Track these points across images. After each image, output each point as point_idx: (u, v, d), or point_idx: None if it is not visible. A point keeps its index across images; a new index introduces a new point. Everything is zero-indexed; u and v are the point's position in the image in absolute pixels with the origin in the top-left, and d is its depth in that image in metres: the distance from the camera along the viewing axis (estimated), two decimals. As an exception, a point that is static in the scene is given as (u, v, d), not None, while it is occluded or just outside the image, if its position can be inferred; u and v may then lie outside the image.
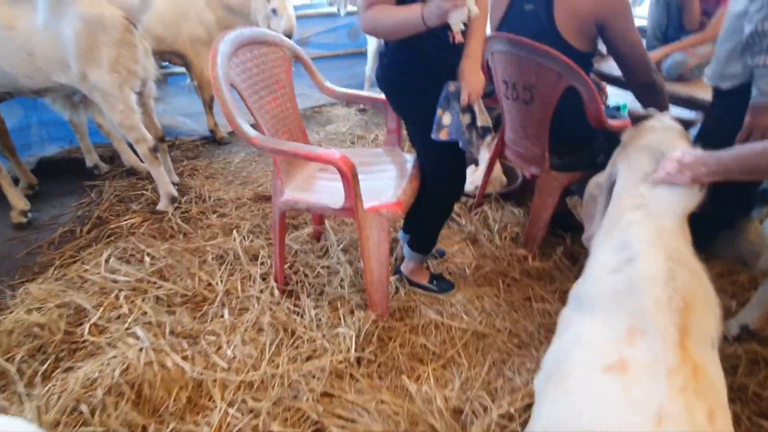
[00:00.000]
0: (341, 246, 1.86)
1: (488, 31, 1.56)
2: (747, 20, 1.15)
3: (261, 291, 1.62)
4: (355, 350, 1.36)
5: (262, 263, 1.78)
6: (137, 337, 1.40)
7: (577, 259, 1.80)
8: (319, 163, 1.55)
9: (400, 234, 1.73)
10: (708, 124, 1.62)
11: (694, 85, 2.09)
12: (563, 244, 1.86)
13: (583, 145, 1.60)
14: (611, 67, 2.17)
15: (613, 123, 1.47)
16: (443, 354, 1.40)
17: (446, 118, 1.27)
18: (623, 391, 0.61)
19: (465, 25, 1.09)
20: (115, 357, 1.32)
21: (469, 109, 1.29)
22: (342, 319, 1.48)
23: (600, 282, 0.81)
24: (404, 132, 1.67)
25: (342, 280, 1.68)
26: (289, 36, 2.54)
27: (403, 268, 1.69)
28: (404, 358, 1.38)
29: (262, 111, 1.47)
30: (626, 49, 1.42)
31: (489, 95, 2.22)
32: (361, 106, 3.55)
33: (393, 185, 1.49)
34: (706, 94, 1.97)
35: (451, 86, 1.26)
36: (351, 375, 1.33)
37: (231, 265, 1.77)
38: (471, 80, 1.23)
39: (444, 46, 1.24)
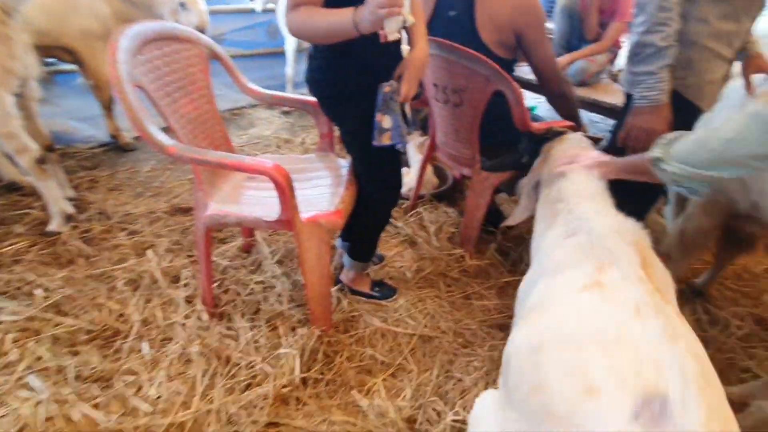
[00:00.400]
0: (276, 258, 1.75)
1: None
2: (632, 31, 1.27)
3: (186, 316, 1.45)
4: (300, 371, 1.27)
5: (186, 284, 1.60)
6: (31, 389, 1.17)
7: (508, 254, 1.88)
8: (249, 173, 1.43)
9: (339, 242, 1.67)
10: (619, 125, 1.78)
11: (596, 90, 2.31)
12: (495, 241, 1.93)
13: (510, 146, 1.66)
14: (524, 72, 2.32)
15: (536, 125, 1.55)
16: (392, 362, 1.37)
17: (386, 122, 1.23)
18: (602, 298, 0.70)
19: (405, 30, 1.06)
20: (4, 416, 1.09)
21: (402, 108, 1.26)
22: (283, 339, 1.38)
23: (559, 247, 0.89)
24: (337, 135, 1.61)
25: (279, 295, 1.57)
26: (201, 33, 2.33)
27: (343, 277, 1.63)
28: (353, 372, 1.32)
29: (176, 115, 1.31)
30: (539, 61, 1.51)
31: (416, 97, 2.24)
32: (286, 107, 3.40)
33: (330, 193, 1.42)
34: (607, 97, 2.19)
35: (386, 87, 1.22)
36: (297, 398, 1.24)
37: (147, 290, 1.57)
38: (414, 73, 1.19)
39: (376, 48, 1.20)
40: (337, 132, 1.55)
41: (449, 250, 1.87)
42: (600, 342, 0.62)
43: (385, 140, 1.25)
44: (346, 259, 1.61)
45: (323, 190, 1.47)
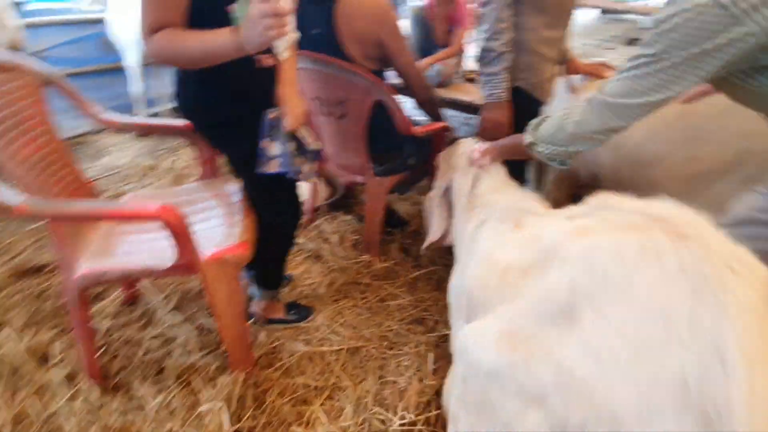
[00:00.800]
0: (171, 305, 1.56)
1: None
2: (477, 39, 1.45)
3: (71, 399, 1.21)
4: (231, 424, 1.17)
5: (61, 361, 1.32)
6: None
7: (410, 250, 1.99)
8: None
9: (243, 272, 1.56)
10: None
11: (453, 90, 2.55)
12: (396, 240, 2.02)
13: (397, 150, 1.75)
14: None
15: (416, 128, 1.66)
16: (326, 384, 1.34)
17: (273, 149, 1.18)
18: (526, 234, 0.85)
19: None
20: None
21: (293, 135, 1.23)
22: (201, 394, 1.24)
23: (486, 222, 1.03)
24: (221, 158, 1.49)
25: (185, 346, 1.41)
26: (16, 51, 1.91)
27: (255, 308, 1.53)
28: (288, 407, 1.26)
29: (14, 162, 1.07)
30: (403, 69, 1.58)
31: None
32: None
33: (226, 224, 1.32)
34: (463, 96, 2.42)
35: (271, 114, 1.18)
36: (234, 454, 1.13)
37: (11, 379, 1.26)
38: (292, 106, 1.17)
39: (254, 71, 1.14)
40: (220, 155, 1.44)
41: (356, 257, 1.90)
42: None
43: (273, 168, 1.19)
44: (255, 290, 1.51)
45: (218, 222, 1.35)
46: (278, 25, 0.87)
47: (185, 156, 2.79)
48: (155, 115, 3.38)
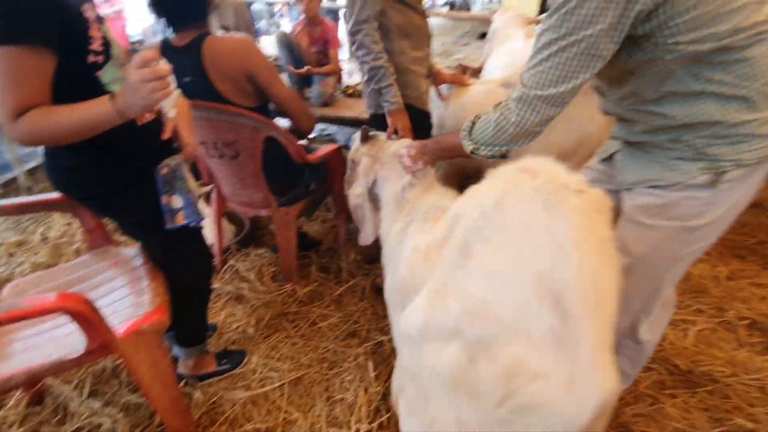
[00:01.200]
0: (85, 391, 1.42)
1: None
2: (360, 61, 1.58)
3: None
4: (186, 493, 1.13)
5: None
6: None
7: (328, 268, 2.05)
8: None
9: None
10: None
11: (337, 107, 2.67)
12: (313, 262, 2.07)
13: (297, 178, 1.81)
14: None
15: (312, 156, 1.73)
16: (276, 424, 1.36)
17: (176, 202, 1.17)
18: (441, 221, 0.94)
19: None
20: None
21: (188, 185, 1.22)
22: (145, 474, 1.18)
23: (411, 223, 1.12)
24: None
25: (114, 431, 1.31)
26: None
27: (182, 369, 1.48)
28: (242, 458, 1.26)
29: None
30: (278, 99, 1.60)
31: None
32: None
33: (135, 292, 1.26)
34: (347, 112, 2.55)
35: (164, 169, 1.16)
36: None
37: None
38: (191, 140, 1.17)
39: (135, 130, 1.11)
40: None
41: (278, 289, 1.91)
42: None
43: (180, 220, 1.19)
44: (178, 350, 1.46)
45: (124, 292, 1.28)
46: (162, 87, 0.87)
47: (57, 223, 2.49)
48: (11, 182, 2.96)
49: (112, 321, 1.09)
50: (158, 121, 1.18)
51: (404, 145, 1.26)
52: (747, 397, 1.44)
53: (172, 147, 1.19)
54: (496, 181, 0.79)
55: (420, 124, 1.69)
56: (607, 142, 1.20)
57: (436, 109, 1.89)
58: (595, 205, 0.73)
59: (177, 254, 1.29)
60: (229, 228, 2.28)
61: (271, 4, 7.73)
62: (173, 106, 0.98)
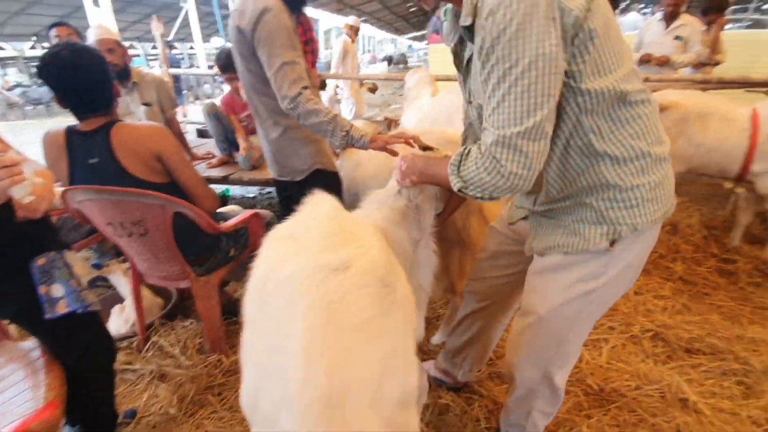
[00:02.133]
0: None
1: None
2: (303, 122, 1.58)
3: None
4: None
5: None
6: None
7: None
8: None
9: (68, 430, 1.41)
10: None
11: (265, 171, 2.75)
12: (241, 327, 2.04)
13: (215, 247, 1.83)
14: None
15: (225, 225, 1.77)
16: None
17: (56, 291, 1.17)
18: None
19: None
20: None
21: (71, 272, 1.22)
22: None
23: None
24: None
25: None
26: None
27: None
28: None
29: None
30: (187, 183, 1.64)
31: (88, 234, 2.10)
32: None
33: (32, 387, 1.21)
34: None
35: (40, 260, 1.17)
36: None
37: None
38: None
39: (14, 226, 1.12)
40: None
41: (204, 361, 1.87)
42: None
43: (61, 309, 1.18)
44: (87, 446, 1.39)
45: (20, 388, 1.23)
46: (9, 175, 0.91)
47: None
48: None
49: (3, 421, 1.05)
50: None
51: (401, 155, 1.17)
52: (649, 408, 1.53)
53: (46, 237, 1.20)
54: (267, 247, 0.80)
55: (333, 186, 1.77)
56: (513, 210, 1.22)
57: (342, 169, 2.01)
58: (363, 279, 0.71)
59: (69, 343, 1.26)
60: (155, 301, 2.24)
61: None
62: (29, 193, 1.00)
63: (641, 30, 3.75)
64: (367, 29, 31.13)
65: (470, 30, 0.86)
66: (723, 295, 2.16)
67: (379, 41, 39.66)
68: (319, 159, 1.76)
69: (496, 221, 1.37)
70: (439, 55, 5.99)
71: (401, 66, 19.22)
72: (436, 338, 1.92)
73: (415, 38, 38.97)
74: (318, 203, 0.89)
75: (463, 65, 1.03)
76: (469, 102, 1.06)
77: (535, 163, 0.83)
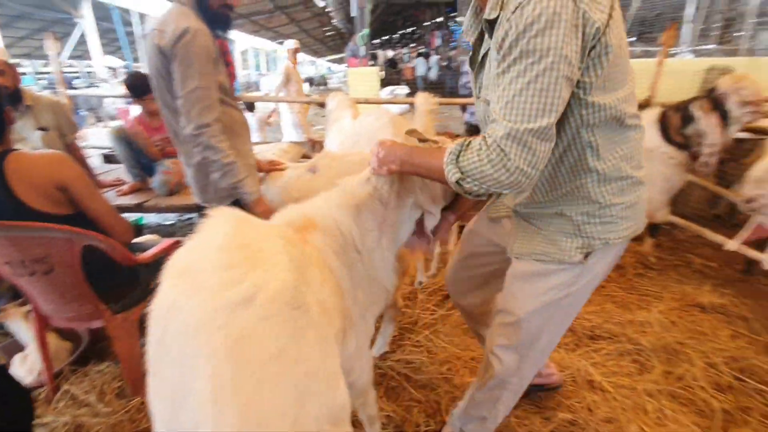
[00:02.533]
0: None
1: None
2: (211, 160, 1.56)
3: None
4: None
5: None
6: None
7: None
8: None
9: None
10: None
11: (182, 196, 2.64)
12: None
13: (133, 280, 1.71)
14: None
15: (143, 256, 1.68)
16: None
17: None
18: None
19: None
20: None
21: None
22: None
23: None
24: None
25: None
26: None
27: None
28: None
29: None
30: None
31: None
32: None
33: None
34: (189, 200, 2.52)
35: None
36: None
37: None
38: None
39: None
40: None
41: (125, 406, 1.72)
42: None
43: None
44: None
45: None
46: None
47: None
48: None
49: None
50: None
51: (378, 140, 1.09)
52: (564, 392, 1.72)
53: None
54: (163, 287, 0.72)
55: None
56: (497, 204, 1.29)
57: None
58: (270, 308, 0.68)
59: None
60: (63, 346, 2.01)
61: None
62: None
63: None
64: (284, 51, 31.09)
65: (491, 24, 0.87)
66: (614, 286, 2.50)
67: (299, 63, 39.59)
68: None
69: (472, 224, 1.45)
70: (358, 78, 6.19)
71: (322, 87, 19.42)
72: (374, 350, 1.97)
73: (333, 60, 39.64)
74: (216, 223, 0.82)
75: (477, 60, 1.05)
76: (478, 97, 1.08)
77: (540, 164, 0.82)
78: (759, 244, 2.31)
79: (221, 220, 0.83)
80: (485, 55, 1.01)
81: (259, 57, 25.88)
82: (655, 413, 1.62)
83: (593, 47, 0.82)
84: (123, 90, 2.98)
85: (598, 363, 1.88)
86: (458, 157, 0.89)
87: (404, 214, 1.16)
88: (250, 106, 5.51)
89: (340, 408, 0.78)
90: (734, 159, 2.80)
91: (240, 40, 18.39)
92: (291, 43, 5.23)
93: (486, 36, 0.96)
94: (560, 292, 1.09)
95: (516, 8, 0.77)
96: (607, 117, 0.90)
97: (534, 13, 0.75)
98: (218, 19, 1.61)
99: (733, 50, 8.95)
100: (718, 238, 2.45)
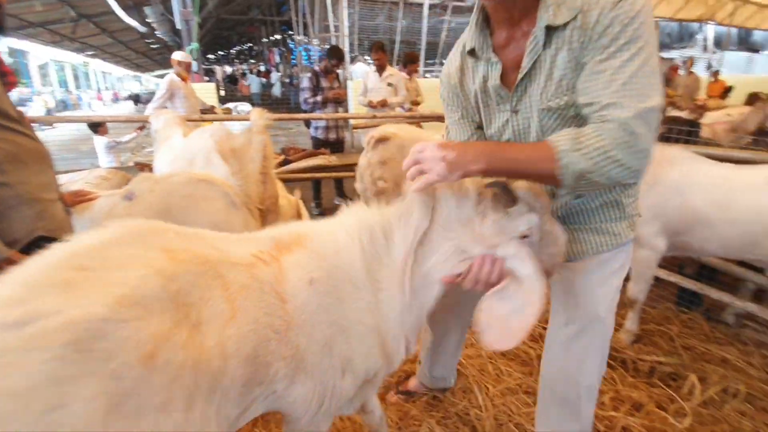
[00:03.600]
0: None
1: None
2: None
3: None
4: None
5: None
6: None
7: None
8: None
9: None
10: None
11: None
12: None
13: None
14: None
15: None
16: None
17: None
18: None
19: None
20: None
21: None
22: None
23: None
24: None
25: None
26: None
27: None
28: None
29: None
30: None
31: None
32: None
33: None
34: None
35: None
36: None
37: None
38: None
39: None
40: None
41: None
42: None
43: None
44: None
45: None
46: None
47: None
48: None
49: None
50: None
51: (421, 146, 0.84)
52: (450, 399, 1.79)
53: None
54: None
55: None
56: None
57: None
58: (40, 341, 0.59)
59: None
60: None
61: None
62: None
63: (364, 77, 4.64)
64: (98, 64, 26.98)
65: (550, 30, 0.87)
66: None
67: (118, 78, 34.73)
68: (42, 224, 1.47)
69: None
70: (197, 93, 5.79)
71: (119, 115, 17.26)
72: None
73: (162, 76, 35.88)
74: (94, 236, 0.74)
75: (521, 74, 0.93)
76: (515, 111, 0.99)
77: (653, 146, 0.80)
78: None
79: (112, 231, 0.75)
80: (533, 66, 0.92)
81: (64, 71, 22.24)
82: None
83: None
84: None
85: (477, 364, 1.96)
86: (576, 141, 0.80)
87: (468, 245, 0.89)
88: (94, 126, 4.38)
89: None
90: None
91: (35, 51, 15.28)
92: (179, 55, 4.38)
93: (534, 46, 0.89)
94: (619, 277, 1.11)
95: (618, 1, 0.81)
96: None
97: (635, 6, 0.80)
98: None
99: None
100: None
